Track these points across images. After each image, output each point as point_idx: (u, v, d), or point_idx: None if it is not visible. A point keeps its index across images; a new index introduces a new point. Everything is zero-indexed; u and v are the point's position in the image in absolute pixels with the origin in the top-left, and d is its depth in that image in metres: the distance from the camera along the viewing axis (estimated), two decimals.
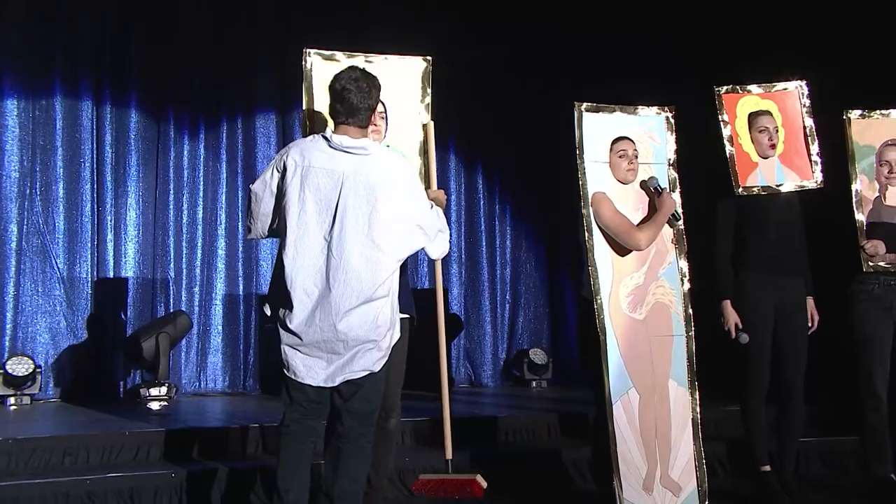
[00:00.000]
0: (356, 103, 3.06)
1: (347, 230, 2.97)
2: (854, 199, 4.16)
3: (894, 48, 5.44)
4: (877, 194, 4.20)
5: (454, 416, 5.40)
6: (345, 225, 2.97)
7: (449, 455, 3.56)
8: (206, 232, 6.77)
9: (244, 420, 4.96)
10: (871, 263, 4.09)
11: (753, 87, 4.24)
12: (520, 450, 4.86)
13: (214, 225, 6.81)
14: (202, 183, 6.77)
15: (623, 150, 3.80)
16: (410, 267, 6.96)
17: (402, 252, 3.10)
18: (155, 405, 5.50)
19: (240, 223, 6.87)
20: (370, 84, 3.10)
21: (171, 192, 6.66)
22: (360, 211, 2.98)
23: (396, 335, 3.16)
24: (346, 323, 2.97)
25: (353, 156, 3.03)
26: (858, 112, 4.25)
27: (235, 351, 6.76)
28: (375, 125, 3.44)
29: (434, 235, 3.19)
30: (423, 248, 3.21)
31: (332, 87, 3.11)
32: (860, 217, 4.16)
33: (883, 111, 4.26)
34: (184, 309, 6.50)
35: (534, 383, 7.13)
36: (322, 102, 3.47)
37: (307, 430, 3.12)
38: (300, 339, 3.00)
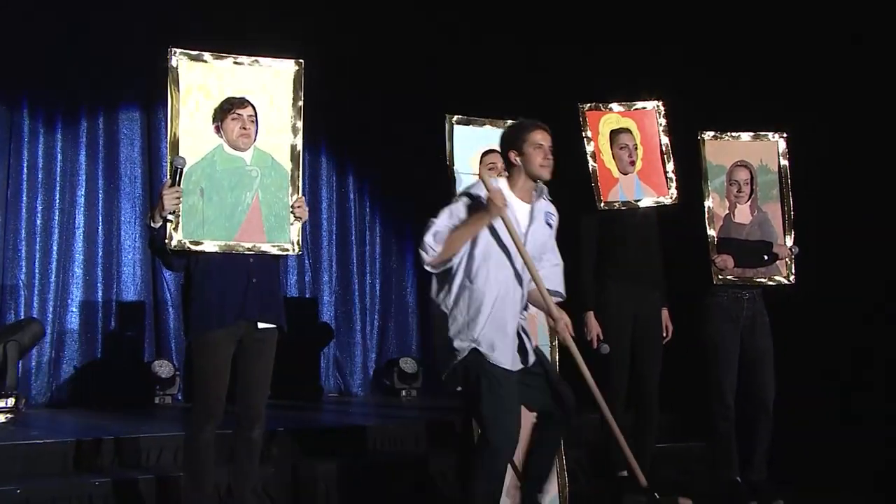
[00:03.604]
0: None
1: None
2: (706, 216, 4.39)
3: (749, 73, 5.78)
4: (727, 211, 4.44)
5: (323, 424, 5.38)
6: None
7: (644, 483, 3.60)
8: (63, 235, 6.45)
9: (98, 432, 4.74)
10: (720, 277, 4.32)
11: (615, 105, 4.42)
12: (387, 458, 4.85)
13: (72, 228, 6.50)
14: (59, 183, 6.45)
15: (492, 163, 3.87)
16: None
17: None
18: (0, 417, 5.19)
19: (100, 226, 6.58)
20: None
21: (24, 192, 6.32)
22: None
23: None
24: None
25: None
26: (711, 133, 4.48)
27: (93, 360, 6.45)
28: (245, 128, 3.40)
29: None
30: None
31: None
32: (711, 232, 4.37)
33: (733, 133, 4.51)
34: (36, 316, 6.16)
35: (404, 392, 7.14)
36: (189, 104, 3.37)
37: None
38: None
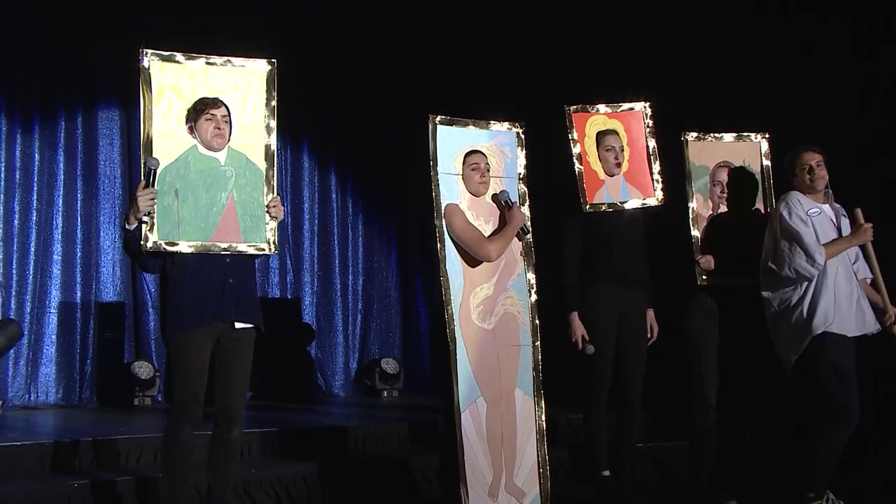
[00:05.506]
0: None
1: None
2: (690, 217, 4.38)
3: (730, 76, 5.80)
4: (710, 212, 4.45)
5: (304, 425, 5.32)
6: None
7: None
8: (41, 236, 6.36)
9: (77, 434, 4.69)
10: (704, 277, 4.32)
11: (601, 107, 4.40)
12: (369, 459, 4.83)
13: (50, 229, 6.41)
14: (36, 183, 6.36)
15: (475, 164, 3.86)
16: (261, 275, 6.84)
17: None
18: None
19: (79, 226, 6.50)
20: None
21: (1, 193, 6.22)
22: None
23: None
24: None
25: None
26: (695, 134, 4.47)
27: (71, 361, 6.38)
28: (219, 129, 3.37)
29: None
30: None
31: None
32: (695, 233, 4.38)
33: (716, 134, 4.51)
34: (13, 317, 6.08)
35: (385, 393, 7.11)
36: (161, 105, 3.34)
37: None
38: None
